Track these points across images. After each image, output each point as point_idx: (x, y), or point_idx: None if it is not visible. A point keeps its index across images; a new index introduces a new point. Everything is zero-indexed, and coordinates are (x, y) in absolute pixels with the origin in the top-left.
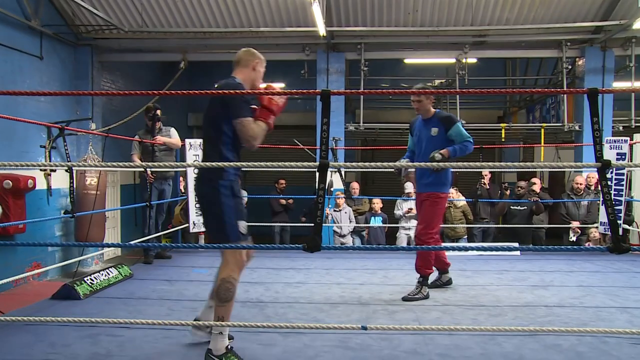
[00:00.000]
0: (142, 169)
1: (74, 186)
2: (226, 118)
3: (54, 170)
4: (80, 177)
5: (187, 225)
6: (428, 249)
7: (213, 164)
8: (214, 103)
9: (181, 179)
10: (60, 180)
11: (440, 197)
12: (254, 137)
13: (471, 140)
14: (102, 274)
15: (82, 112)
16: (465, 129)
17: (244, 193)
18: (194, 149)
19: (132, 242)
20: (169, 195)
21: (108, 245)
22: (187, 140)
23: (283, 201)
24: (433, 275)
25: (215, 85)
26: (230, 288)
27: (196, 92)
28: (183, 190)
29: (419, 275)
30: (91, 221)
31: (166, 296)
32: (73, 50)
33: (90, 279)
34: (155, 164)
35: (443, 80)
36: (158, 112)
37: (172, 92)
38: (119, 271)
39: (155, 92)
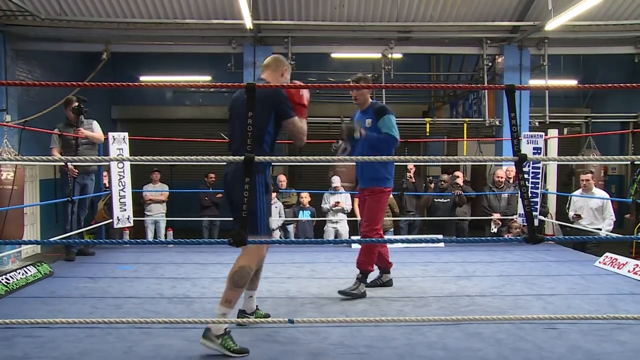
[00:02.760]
0: (63, 163)
1: None
2: (270, 119)
3: None
4: None
5: (111, 220)
6: (355, 242)
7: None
8: (260, 104)
9: (105, 173)
10: None
11: (384, 192)
12: (304, 133)
13: (395, 136)
14: (19, 273)
15: None
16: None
17: (165, 187)
18: (118, 143)
19: (52, 239)
20: (91, 190)
21: (25, 243)
22: (110, 134)
23: (220, 195)
24: (373, 274)
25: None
26: (245, 276)
27: (120, 83)
28: (107, 185)
29: (359, 271)
30: (7, 218)
31: (89, 294)
32: None
33: (6, 279)
34: (76, 158)
35: (369, 75)
36: (81, 104)
37: (95, 83)
38: (37, 269)
39: (76, 83)
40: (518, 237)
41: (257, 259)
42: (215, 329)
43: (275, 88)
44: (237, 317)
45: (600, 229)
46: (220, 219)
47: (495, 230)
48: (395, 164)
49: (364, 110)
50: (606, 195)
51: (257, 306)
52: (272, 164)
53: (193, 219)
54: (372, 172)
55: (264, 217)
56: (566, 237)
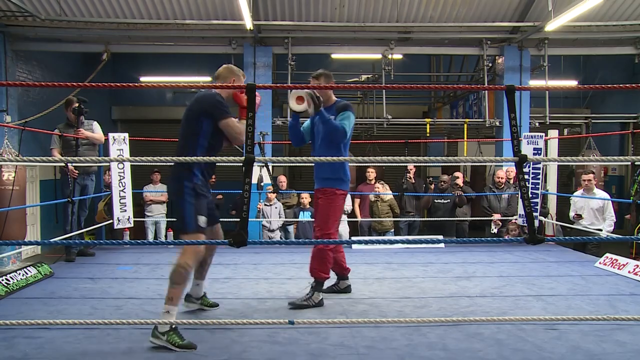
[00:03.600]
0: (63, 164)
1: None
2: (202, 123)
3: None
4: None
5: (111, 221)
6: (355, 242)
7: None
8: (194, 110)
9: (107, 173)
10: None
11: (336, 194)
12: (240, 133)
13: (346, 130)
14: (20, 274)
15: None
16: (392, 124)
17: (165, 188)
18: (118, 144)
19: (52, 240)
20: (91, 191)
21: (26, 243)
22: (111, 135)
23: (220, 196)
24: (330, 281)
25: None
26: (183, 273)
27: (120, 84)
28: (109, 184)
29: (312, 280)
30: (8, 218)
31: (89, 295)
32: None
33: (6, 279)
34: (77, 158)
35: (370, 76)
36: (82, 105)
37: (95, 84)
38: (38, 270)
39: (77, 83)
40: (518, 238)
41: (193, 257)
42: (161, 325)
43: (210, 93)
44: (184, 301)
45: (600, 230)
46: (220, 219)
47: (495, 230)
48: (395, 164)
49: (327, 107)
50: (607, 196)
51: (205, 293)
52: (268, 165)
53: None
54: (327, 171)
55: (191, 216)
56: (566, 237)
